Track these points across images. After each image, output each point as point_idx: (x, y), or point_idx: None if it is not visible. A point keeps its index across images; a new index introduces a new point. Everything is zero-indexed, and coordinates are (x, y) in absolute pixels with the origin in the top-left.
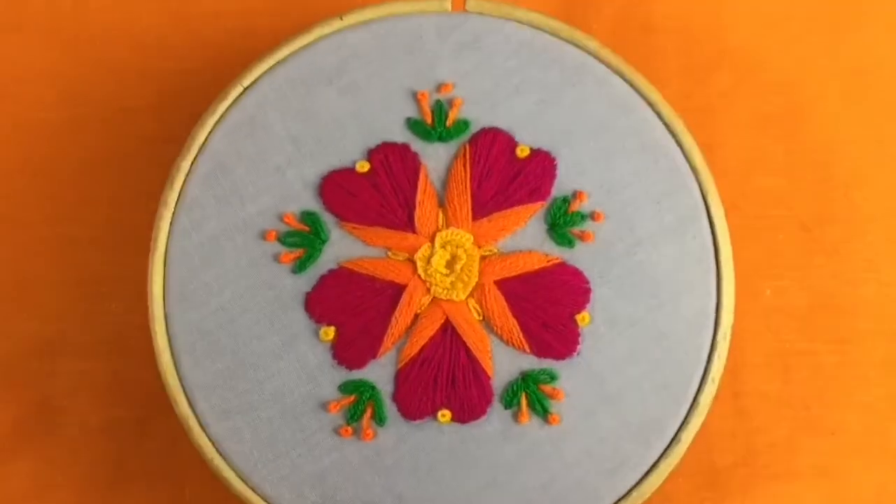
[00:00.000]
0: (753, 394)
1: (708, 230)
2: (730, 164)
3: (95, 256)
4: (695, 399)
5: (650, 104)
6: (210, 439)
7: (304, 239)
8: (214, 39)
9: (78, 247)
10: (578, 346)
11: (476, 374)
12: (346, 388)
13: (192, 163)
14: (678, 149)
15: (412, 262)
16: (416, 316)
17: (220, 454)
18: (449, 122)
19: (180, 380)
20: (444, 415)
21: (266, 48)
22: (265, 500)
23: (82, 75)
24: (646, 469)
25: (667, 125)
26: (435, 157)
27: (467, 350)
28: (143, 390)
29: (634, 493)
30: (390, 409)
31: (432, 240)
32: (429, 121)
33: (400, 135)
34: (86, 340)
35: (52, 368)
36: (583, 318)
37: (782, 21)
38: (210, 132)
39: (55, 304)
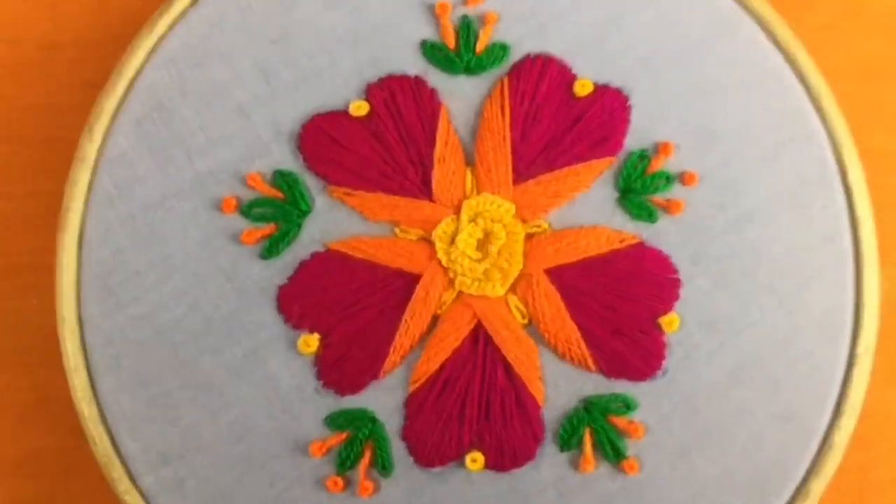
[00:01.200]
0: (872, 417)
1: (842, 196)
2: None
3: (15, 238)
4: (827, 435)
5: (760, 22)
6: (142, 494)
7: (276, 209)
8: None
9: None
10: (664, 362)
11: (520, 402)
12: (335, 421)
13: (121, 102)
14: (800, 84)
15: (429, 242)
16: (435, 318)
17: None
18: (480, 47)
19: (100, 409)
20: (475, 460)
21: None
22: None
23: None
24: None
25: (784, 52)
26: (460, 96)
27: (507, 367)
28: (70, 413)
29: None
30: (398, 451)
31: (457, 211)
32: (451, 45)
33: (411, 64)
34: (1, 348)
35: None
36: (670, 321)
37: None
38: (145, 60)
39: None
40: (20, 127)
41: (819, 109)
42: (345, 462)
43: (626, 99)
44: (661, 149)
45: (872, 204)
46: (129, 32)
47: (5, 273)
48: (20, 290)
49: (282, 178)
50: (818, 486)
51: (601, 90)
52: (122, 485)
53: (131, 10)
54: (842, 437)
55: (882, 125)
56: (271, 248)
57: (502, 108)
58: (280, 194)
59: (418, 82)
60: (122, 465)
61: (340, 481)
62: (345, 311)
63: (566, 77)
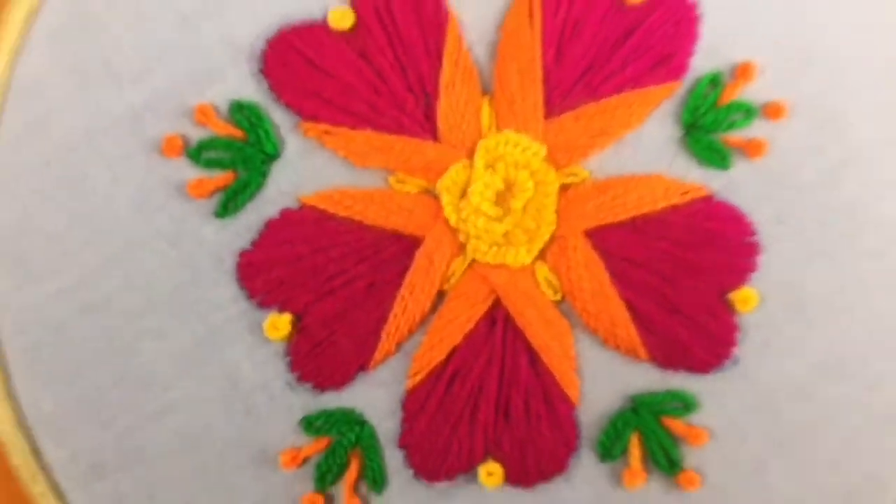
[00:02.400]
0: None
1: None
2: None
3: None
4: None
5: None
6: None
7: (233, 152)
8: None
9: None
10: (735, 350)
11: (549, 400)
12: (313, 424)
13: (32, 13)
14: None
15: (433, 195)
16: (441, 294)
17: None
18: None
19: (16, 410)
20: (492, 472)
21: None
22: None
23: None
24: None
25: None
26: (475, 2)
27: (533, 356)
28: None
29: None
30: (393, 461)
31: (471, 154)
32: None
33: None
34: None
35: None
36: (744, 298)
37: None
38: None
39: None
40: None
41: None
42: (325, 475)
43: (693, 5)
44: (739, 71)
45: None
46: None
47: None
48: None
49: (241, 112)
50: None
51: None
52: (47, 502)
53: None
54: None
55: None
56: (228, 204)
57: (531, 17)
58: (239, 132)
59: None
60: (46, 478)
61: (320, 500)
62: (324, 284)
63: None
